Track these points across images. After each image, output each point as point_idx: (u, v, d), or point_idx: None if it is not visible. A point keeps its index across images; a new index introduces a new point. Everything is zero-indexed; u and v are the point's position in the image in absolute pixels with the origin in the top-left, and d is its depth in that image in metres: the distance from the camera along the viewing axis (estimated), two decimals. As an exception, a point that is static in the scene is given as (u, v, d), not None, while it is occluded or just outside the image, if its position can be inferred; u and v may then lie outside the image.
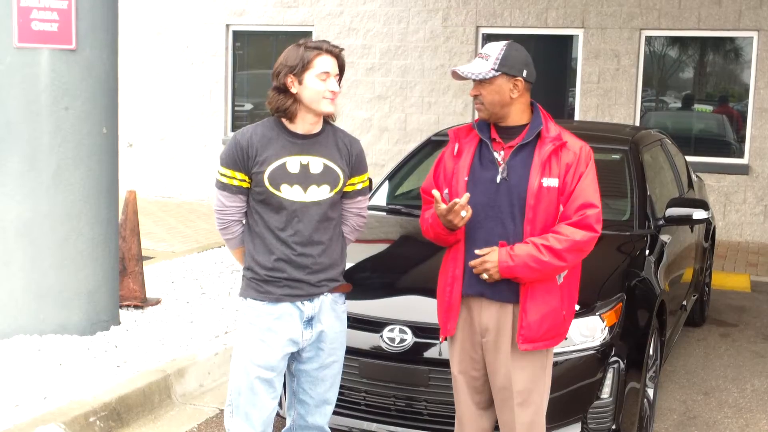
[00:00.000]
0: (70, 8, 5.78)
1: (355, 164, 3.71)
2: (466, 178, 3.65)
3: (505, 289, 3.61)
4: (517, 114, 3.65)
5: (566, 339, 4.24)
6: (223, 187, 3.60)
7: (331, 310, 3.70)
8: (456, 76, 3.63)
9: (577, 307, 3.82)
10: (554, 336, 3.66)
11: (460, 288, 3.69)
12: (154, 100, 13.90)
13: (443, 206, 3.51)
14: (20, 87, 5.75)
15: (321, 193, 3.59)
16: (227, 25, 13.48)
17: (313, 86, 3.50)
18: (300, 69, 3.49)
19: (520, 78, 3.58)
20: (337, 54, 3.56)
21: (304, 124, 3.58)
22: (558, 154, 3.59)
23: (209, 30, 13.52)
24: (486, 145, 3.68)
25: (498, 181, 3.61)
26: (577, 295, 3.78)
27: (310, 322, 3.64)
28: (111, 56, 6.11)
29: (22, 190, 5.81)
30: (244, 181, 3.57)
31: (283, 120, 3.59)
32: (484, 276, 3.57)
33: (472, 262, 3.58)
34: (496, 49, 3.59)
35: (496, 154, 3.64)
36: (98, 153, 6.02)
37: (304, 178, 3.55)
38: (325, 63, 3.51)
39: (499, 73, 3.56)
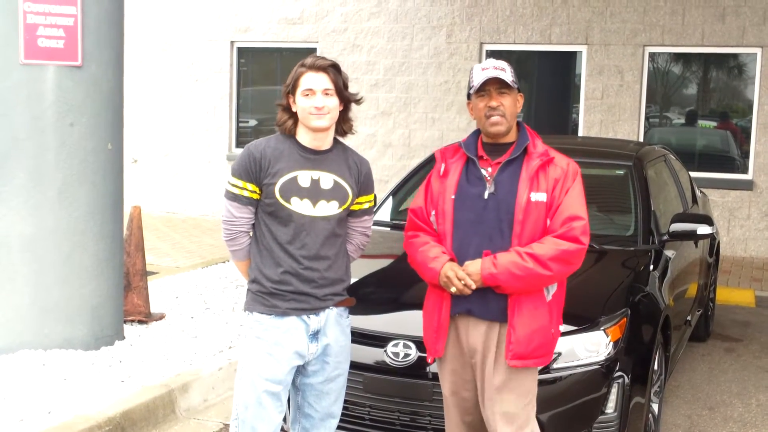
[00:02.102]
0: (76, 25, 5.81)
1: (364, 183, 3.76)
2: (453, 196, 3.68)
3: (494, 306, 3.60)
4: (513, 130, 3.72)
5: (572, 354, 4.25)
6: (233, 197, 3.62)
7: (337, 324, 3.72)
8: (495, 83, 3.61)
9: (562, 327, 3.81)
10: (543, 354, 3.65)
11: (449, 308, 3.69)
12: (158, 116, 13.94)
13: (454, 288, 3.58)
14: (26, 103, 5.78)
15: (330, 208, 3.62)
16: (232, 42, 13.54)
17: (300, 104, 3.57)
18: (292, 88, 3.58)
19: (522, 94, 3.71)
20: (323, 68, 3.56)
21: (308, 139, 3.63)
22: (546, 170, 3.61)
23: (214, 46, 13.57)
24: (473, 163, 3.71)
25: (486, 196, 3.63)
26: (560, 318, 3.76)
27: (315, 335, 3.65)
28: (116, 73, 6.14)
29: (27, 206, 5.83)
30: (255, 192, 3.60)
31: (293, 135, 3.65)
32: (453, 289, 3.57)
33: (449, 272, 3.57)
34: (505, 63, 3.68)
35: (483, 171, 3.67)
36: (103, 169, 6.04)
37: (315, 193, 3.59)
38: (309, 80, 3.55)
39: (516, 86, 3.66)
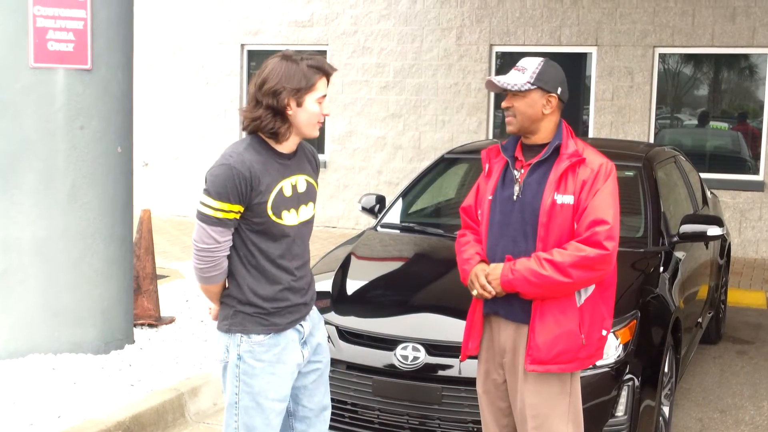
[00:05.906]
0: (85, 28, 5.83)
1: (318, 169, 3.62)
2: (490, 198, 3.66)
3: (518, 308, 3.56)
4: (546, 131, 3.62)
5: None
6: (217, 222, 3.28)
7: (319, 320, 3.65)
8: (491, 86, 3.64)
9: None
10: (569, 360, 3.51)
11: (482, 308, 3.68)
12: (169, 120, 13.97)
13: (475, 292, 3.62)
14: (36, 106, 5.79)
15: (308, 211, 3.49)
16: (242, 45, 13.55)
17: (312, 109, 3.31)
18: (303, 91, 3.28)
19: (554, 95, 3.58)
20: (331, 74, 3.40)
21: (290, 144, 3.42)
22: (575, 171, 3.52)
23: (224, 49, 13.60)
24: (511, 164, 3.67)
25: (515, 198, 3.59)
26: (607, 323, 3.62)
27: (306, 340, 3.55)
28: (126, 76, 6.15)
29: (37, 209, 5.84)
30: (239, 213, 3.31)
31: (269, 140, 3.37)
32: (474, 292, 3.58)
33: (472, 276, 3.60)
34: (534, 63, 3.61)
35: (516, 172, 3.63)
36: (113, 172, 6.05)
37: (296, 200, 3.42)
38: (324, 86, 3.35)
39: (535, 87, 3.56)
